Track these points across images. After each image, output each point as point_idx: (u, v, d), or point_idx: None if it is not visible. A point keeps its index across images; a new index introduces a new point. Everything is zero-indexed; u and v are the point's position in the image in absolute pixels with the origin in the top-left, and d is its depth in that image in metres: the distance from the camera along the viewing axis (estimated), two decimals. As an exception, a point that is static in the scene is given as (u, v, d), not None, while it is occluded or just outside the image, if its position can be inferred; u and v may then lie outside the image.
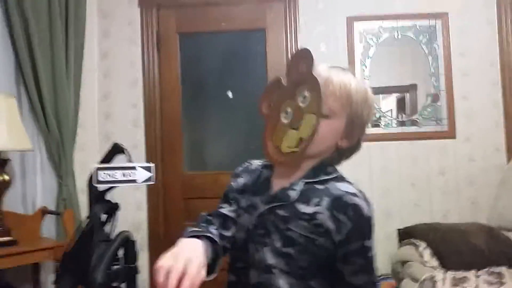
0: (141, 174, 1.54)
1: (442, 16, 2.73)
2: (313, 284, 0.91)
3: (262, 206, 0.96)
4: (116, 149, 1.57)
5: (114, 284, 1.53)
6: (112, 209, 1.60)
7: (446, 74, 2.72)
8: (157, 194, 2.76)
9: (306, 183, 0.95)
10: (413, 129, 2.73)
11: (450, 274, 1.96)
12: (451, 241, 2.14)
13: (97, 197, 1.54)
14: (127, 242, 1.62)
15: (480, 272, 1.97)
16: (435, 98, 2.73)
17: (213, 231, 0.96)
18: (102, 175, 1.46)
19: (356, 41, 2.75)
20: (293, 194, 0.94)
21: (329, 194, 0.93)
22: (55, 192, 2.44)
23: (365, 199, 0.93)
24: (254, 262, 0.94)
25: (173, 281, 0.70)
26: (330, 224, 0.90)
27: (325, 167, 0.97)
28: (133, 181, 1.54)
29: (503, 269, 2.01)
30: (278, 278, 0.91)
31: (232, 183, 1.08)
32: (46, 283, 2.36)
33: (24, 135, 2.07)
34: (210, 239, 0.89)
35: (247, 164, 1.11)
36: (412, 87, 2.76)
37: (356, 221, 0.89)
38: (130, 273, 1.61)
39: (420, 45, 2.75)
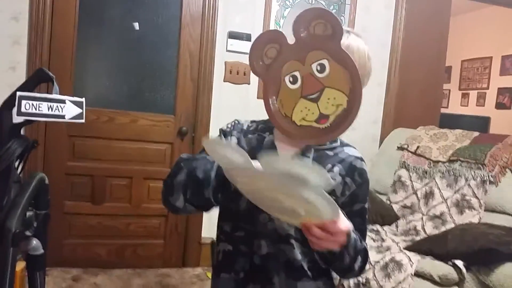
0: (69, 110, 1.31)
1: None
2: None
3: None
4: (41, 77, 1.29)
5: (28, 233, 1.31)
6: (28, 147, 1.33)
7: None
8: (37, 128, 2.38)
9: (316, 150, 0.95)
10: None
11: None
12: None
13: (12, 131, 1.27)
14: (42, 185, 1.39)
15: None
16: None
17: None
18: (26, 106, 1.20)
19: (273, -2, 2.74)
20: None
21: (340, 159, 0.95)
22: None
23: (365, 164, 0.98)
24: (266, 232, 0.91)
25: None
26: (339, 188, 0.92)
27: None
28: (61, 116, 1.30)
29: (378, 227, 2.37)
30: (295, 247, 0.91)
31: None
32: None
33: None
34: None
35: (235, 122, 1.02)
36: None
37: (360, 184, 0.94)
38: (44, 220, 1.39)
39: (330, 15, 2.87)
